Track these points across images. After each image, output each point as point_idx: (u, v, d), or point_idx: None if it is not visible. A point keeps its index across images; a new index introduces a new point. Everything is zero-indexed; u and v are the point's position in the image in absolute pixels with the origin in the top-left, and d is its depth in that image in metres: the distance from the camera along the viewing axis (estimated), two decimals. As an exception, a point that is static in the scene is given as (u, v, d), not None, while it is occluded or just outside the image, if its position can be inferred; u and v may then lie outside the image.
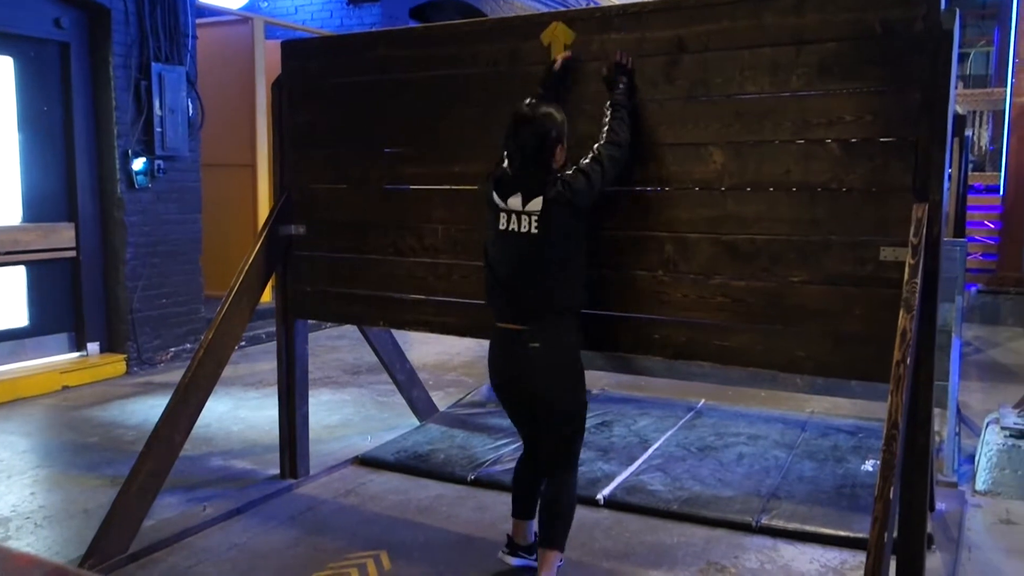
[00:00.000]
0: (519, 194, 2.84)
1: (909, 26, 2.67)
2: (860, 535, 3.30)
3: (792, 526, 3.49)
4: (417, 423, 4.89)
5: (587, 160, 2.87)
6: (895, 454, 2.40)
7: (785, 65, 2.84)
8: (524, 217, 2.84)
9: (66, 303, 6.12)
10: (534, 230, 2.83)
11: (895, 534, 2.64)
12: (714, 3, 2.98)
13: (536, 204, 2.81)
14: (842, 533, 3.41)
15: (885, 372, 2.55)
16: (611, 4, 5.69)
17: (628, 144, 2.95)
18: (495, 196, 2.92)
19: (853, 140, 2.78)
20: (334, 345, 7.24)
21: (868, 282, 2.77)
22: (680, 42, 3.00)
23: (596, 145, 2.91)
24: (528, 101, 2.89)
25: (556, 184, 2.80)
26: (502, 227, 2.90)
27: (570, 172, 2.84)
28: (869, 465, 4.17)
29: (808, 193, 2.86)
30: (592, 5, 11.57)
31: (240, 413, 5.23)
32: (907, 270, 2.59)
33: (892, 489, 2.36)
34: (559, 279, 2.89)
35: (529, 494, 3.15)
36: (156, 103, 6.24)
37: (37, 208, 5.90)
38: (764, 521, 3.53)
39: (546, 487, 3.02)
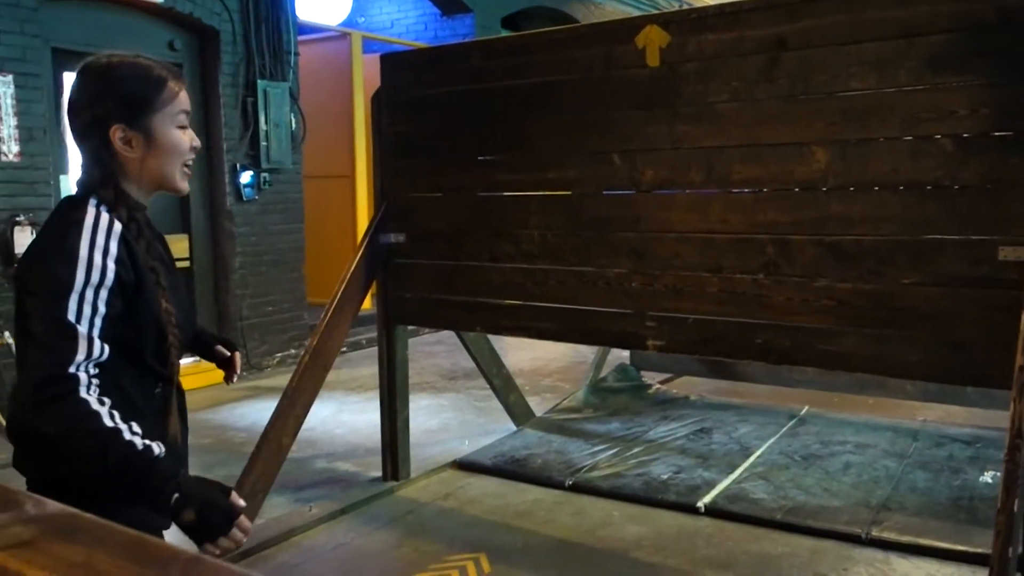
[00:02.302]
0: None
1: (1028, 13, 2.53)
2: (981, 550, 3.13)
3: (905, 539, 3.35)
4: (514, 428, 4.93)
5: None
6: (1020, 464, 2.27)
7: (892, 60, 2.74)
8: None
9: (180, 311, 6.44)
10: None
11: (1020, 549, 2.50)
12: (815, -2, 2.91)
13: None
14: (961, 547, 3.25)
15: (1005, 378, 2.43)
16: (705, 3, 5.63)
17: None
18: None
19: (966, 135, 2.65)
20: (431, 351, 7.37)
21: (985, 283, 2.64)
22: (780, 40, 2.93)
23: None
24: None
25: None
26: None
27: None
28: (988, 476, 3.96)
29: (918, 192, 2.74)
30: (683, 5, 11.43)
31: (343, 417, 5.39)
32: (1029, 270, 2.46)
33: (1016, 501, 2.24)
34: None
35: None
36: (262, 118, 6.51)
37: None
38: (874, 533, 3.39)
39: None
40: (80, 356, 1.34)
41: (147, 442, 1.36)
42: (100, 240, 1.42)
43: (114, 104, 1.50)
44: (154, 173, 1.57)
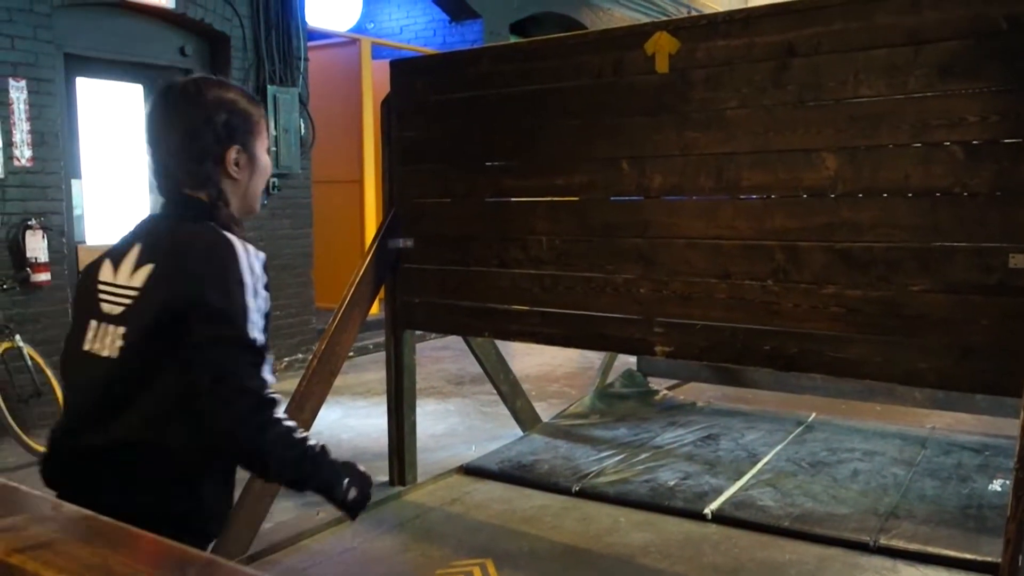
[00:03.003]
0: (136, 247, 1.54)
1: (1038, 21, 2.53)
2: (990, 559, 3.12)
3: (914, 547, 3.33)
4: (521, 433, 4.93)
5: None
6: (1029, 472, 2.27)
7: (902, 66, 2.74)
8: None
9: (189, 315, 6.46)
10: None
11: (1029, 558, 2.49)
12: (824, 5, 2.91)
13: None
14: (969, 556, 3.23)
15: (1015, 386, 2.42)
16: (712, 10, 5.63)
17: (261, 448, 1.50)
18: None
19: (976, 142, 2.65)
20: (438, 356, 7.38)
21: (995, 291, 2.63)
22: (790, 46, 2.94)
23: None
24: (187, 77, 1.64)
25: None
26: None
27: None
28: (997, 485, 3.94)
29: (928, 198, 2.74)
30: (691, 12, 11.44)
31: (350, 421, 5.39)
32: (1039, 278, 2.45)
33: (1026, 510, 2.23)
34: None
35: None
36: (271, 124, 6.53)
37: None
38: (883, 541, 3.38)
39: None
40: (270, 377, 1.46)
41: (321, 444, 1.53)
42: (256, 267, 1.48)
43: (234, 126, 1.53)
44: (251, 195, 1.62)
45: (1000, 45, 2.60)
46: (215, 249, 1.46)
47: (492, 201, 3.77)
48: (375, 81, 7.92)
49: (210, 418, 1.40)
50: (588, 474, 4.19)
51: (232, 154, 1.53)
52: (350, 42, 8.23)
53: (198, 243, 1.48)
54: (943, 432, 4.79)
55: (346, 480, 1.56)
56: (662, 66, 3.18)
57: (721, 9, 3.12)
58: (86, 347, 1.49)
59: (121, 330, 1.45)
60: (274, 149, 6.58)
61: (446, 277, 3.94)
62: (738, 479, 4.07)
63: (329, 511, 3.82)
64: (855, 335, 2.88)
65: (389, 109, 4.10)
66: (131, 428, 1.42)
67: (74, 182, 5.54)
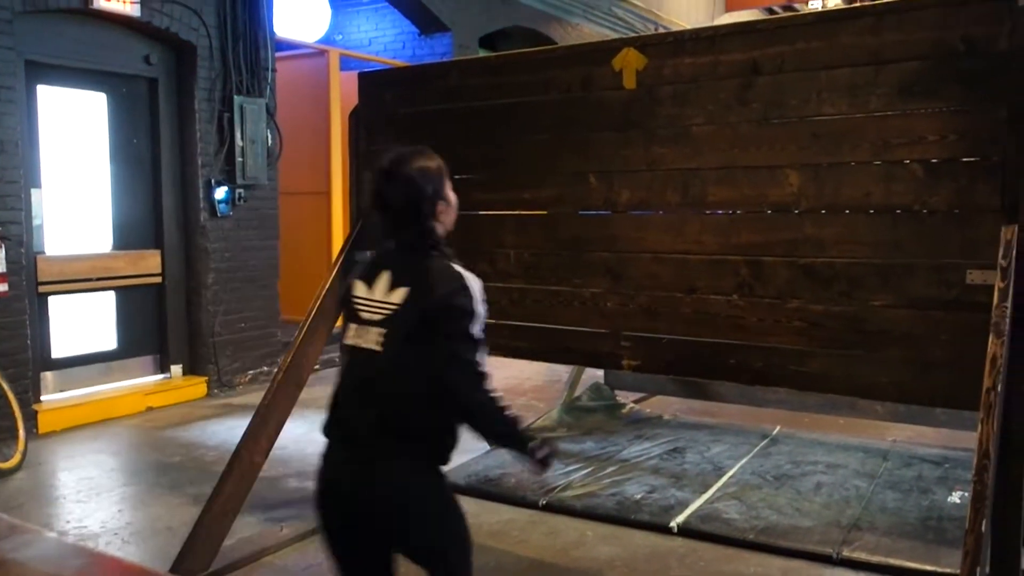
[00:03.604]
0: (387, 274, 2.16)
1: (993, 43, 2.60)
2: (949, 570, 3.17)
3: (876, 559, 3.37)
4: (488, 447, 4.90)
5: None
6: (987, 485, 2.31)
7: (863, 85, 2.80)
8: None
9: (151, 327, 6.37)
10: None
11: (987, 569, 2.53)
12: (788, 24, 2.96)
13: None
14: (929, 567, 3.28)
15: (973, 399, 2.46)
16: (679, 28, 5.70)
17: (475, 407, 2.11)
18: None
19: (935, 160, 2.71)
20: (405, 369, 7.33)
21: (954, 306, 2.68)
22: (754, 64, 2.98)
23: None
24: (394, 154, 2.22)
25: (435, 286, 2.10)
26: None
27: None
28: (957, 497, 4.01)
29: (889, 215, 2.79)
30: (658, 28, 11.57)
31: (315, 435, 5.27)
32: (996, 294, 2.50)
33: (984, 522, 2.27)
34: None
35: None
36: (238, 134, 6.48)
37: (126, 236, 6.17)
38: (845, 553, 3.42)
39: None
40: (485, 359, 2.09)
41: (515, 415, 2.12)
42: (477, 288, 2.09)
43: (436, 188, 2.18)
44: (450, 224, 2.24)
45: (958, 67, 2.66)
46: (453, 274, 2.11)
47: (460, 214, 3.75)
48: (343, 93, 7.89)
49: (451, 384, 2.06)
50: (555, 488, 4.19)
51: (440, 207, 2.18)
52: (318, 53, 8.19)
53: (441, 271, 2.12)
54: (904, 445, 4.87)
55: (534, 441, 2.11)
56: (630, 82, 3.21)
57: (688, 27, 3.16)
58: (348, 342, 2.16)
59: (381, 330, 2.09)
60: (240, 160, 6.52)
61: (414, 290, 3.91)
62: (704, 492, 4.10)
63: (294, 526, 3.78)
64: (818, 349, 2.92)
65: (357, 121, 4.08)
66: (395, 398, 2.07)
67: (34, 191, 5.43)
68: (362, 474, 2.08)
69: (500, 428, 2.13)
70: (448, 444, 2.17)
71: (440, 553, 2.21)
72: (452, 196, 2.26)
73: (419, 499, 2.11)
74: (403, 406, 2.11)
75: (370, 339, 2.11)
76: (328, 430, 2.22)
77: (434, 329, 2.07)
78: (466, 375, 2.07)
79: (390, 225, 2.21)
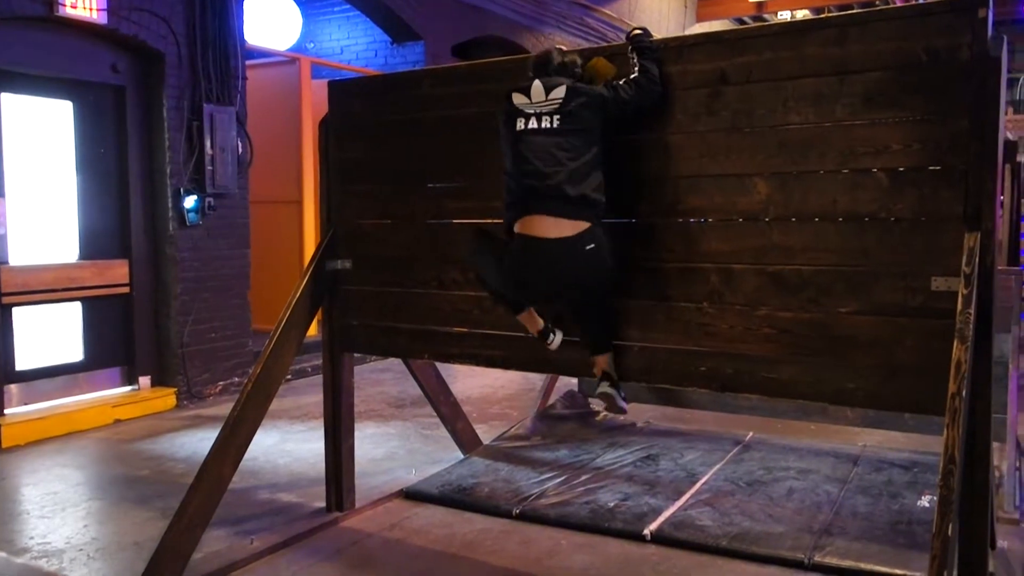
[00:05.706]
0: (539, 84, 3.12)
1: (955, 54, 2.64)
2: (918, 574, 3.20)
3: (846, 564, 3.40)
4: (461, 456, 4.89)
5: (623, 82, 3.10)
6: (953, 489, 2.33)
7: (829, 95, 2.83)
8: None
9: (119, 338, 6.27)
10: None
11: (955, 573, 2.55)
12: (755, 35, 3.00)
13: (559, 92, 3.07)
14: (899, 571, 3.31)
15: (939, 405, 2.49)
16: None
17: (658, 83, 3.08)
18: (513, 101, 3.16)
19: (901, 169, 2.75)
20: (378, 378, 7.29)
21: (920, 313, 2.72)
22: (722, 74, 3.01)
23: (631, 76, 3.10)
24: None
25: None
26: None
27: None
28: (925, 501, 4.05)
29: (856, 223, 2.82)
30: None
31: (286, 446, 5.28)
32: (960, 300, 2.54)
33: (951, 526, 2.29)
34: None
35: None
36: (207, 142, 6.41)
37: (93, 245, 6.08)
38: (817, 558, 3.44)
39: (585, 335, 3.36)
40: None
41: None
42: None
43: None
44: None
45: (920, 77, 2.70)
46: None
47: (432, 223, 3.76)
48: (315, 101, 7.86)
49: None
50: (529, 496, 4.17)
51: None
52: (289, 61, 8.15)
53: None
54: (874, 450, 4.91)
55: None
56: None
57: (657, 37, 3.18)
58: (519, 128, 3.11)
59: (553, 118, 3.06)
60: (210, 168, 6.45)
61: (385, 299, 3.90)
62: (677, 499, 4.11)
63: (264, 539, 3.73)
64: (787, 356, 2.94)
65: (327, 129, 4.06)
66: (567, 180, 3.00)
67: (-2, 201, 5.35)
68: None
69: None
70: (604, 232, 3.15)
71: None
72: None
73: None
74: (574, 188, 3.08)
75: (540, 125, 3.12)
76: None
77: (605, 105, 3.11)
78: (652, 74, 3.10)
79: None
